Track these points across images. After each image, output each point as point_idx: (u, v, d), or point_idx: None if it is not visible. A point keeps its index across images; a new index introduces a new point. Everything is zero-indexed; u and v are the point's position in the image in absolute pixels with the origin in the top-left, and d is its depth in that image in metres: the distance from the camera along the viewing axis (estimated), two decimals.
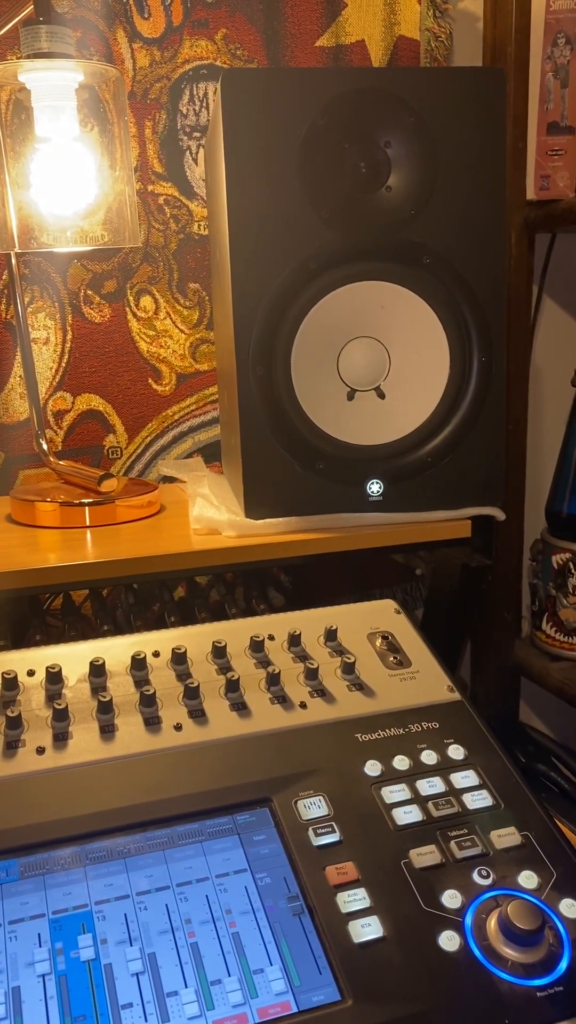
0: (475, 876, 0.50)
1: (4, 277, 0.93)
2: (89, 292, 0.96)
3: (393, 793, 0.55)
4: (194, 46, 0.95)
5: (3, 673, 0.60)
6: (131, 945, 0.46)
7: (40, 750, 0.56)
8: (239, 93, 0.72)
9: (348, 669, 0.64)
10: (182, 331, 1.00)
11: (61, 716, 0.58)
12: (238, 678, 0.61)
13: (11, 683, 0.60)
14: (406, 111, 0.74)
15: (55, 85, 0.76)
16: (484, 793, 0.56)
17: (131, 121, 0.94)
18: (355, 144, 0.74)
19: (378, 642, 0.67)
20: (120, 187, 0.84)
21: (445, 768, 0.57)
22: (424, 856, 0.51)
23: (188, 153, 0.97)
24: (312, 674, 0.63)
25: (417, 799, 0.55)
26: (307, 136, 0.73)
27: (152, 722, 0.59)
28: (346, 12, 0.98)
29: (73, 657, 0.63)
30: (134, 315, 0.98)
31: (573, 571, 1.03)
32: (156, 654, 0.64)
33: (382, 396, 0.79)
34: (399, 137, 0.74)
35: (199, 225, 0.98)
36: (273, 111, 0.72)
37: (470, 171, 0.76)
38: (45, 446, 0.90)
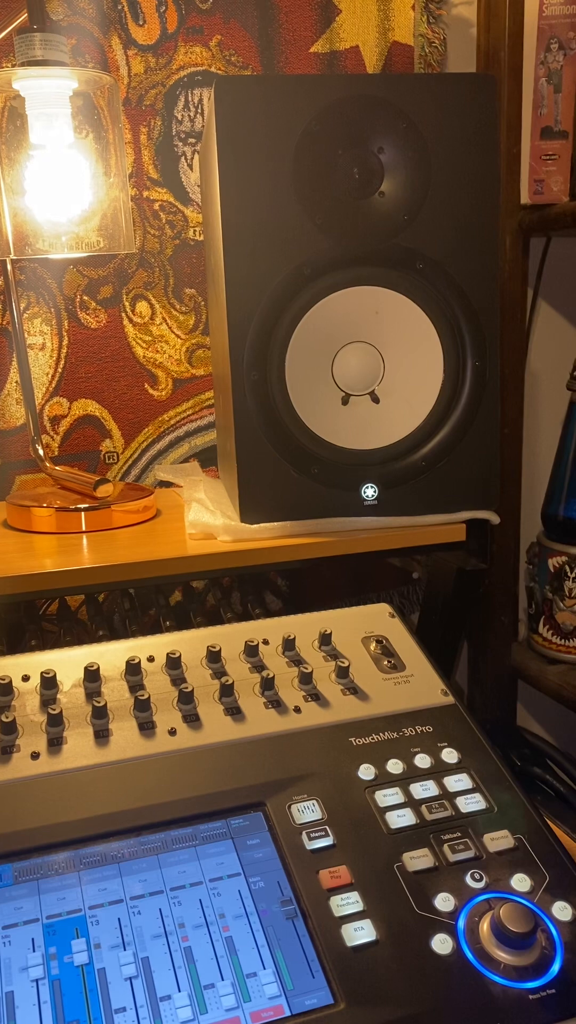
0: (468, 879, 0.50)
1: (0, 283, 0.93)
2: (85, 298, 0.97)
3: (386, 797, 0.55)
4: (189, 52, 0.96)
5: None
6: (125, 950, 0.46)
7: (35, 755, 0.56)
8: (233, 100, 0.72)
9: (342, 673, 0.64)
10: (178, 336, 1.00)
11: (56, 721, 0.58)
12: (232, 683, 0.62)
13: (6, 688, 0.60)
14: (399, 117, 0.74)
15: (49, 92, 0.77)
16: (477, 796, 0.56)
17: (126, 127, 0.95)
18: (348, 150, 0.74)
19: (372, 646, 0.68)
20: (115, 193, 0.84)
21: (439, 772, 0.57)
22: (417, 859, 0.51)
23: (183, 159, 0.97)
24: (306, 678, 0.63)
25: (410, 803, 0.55)
26: (301, 142, 0.73)
27: (146, 727, 0.59)
28: (340, 18, 0.99)
29: (68, 662, 0.63)
30: (130, 320, 0.99)
31: (569, 574, 1.04)
32: (151, 659, 0.64)
33: (376, 401, 0.79)
34: (392, 143, 0.75)
35: (194, 231, 0.99)
36: (267, 117, 0.72)
37: (463, 176, 0.76)
38: (41, 451, 0.91)
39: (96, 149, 0.84)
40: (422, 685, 0.65)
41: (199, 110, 0.97)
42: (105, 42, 0.93)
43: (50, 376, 0.97)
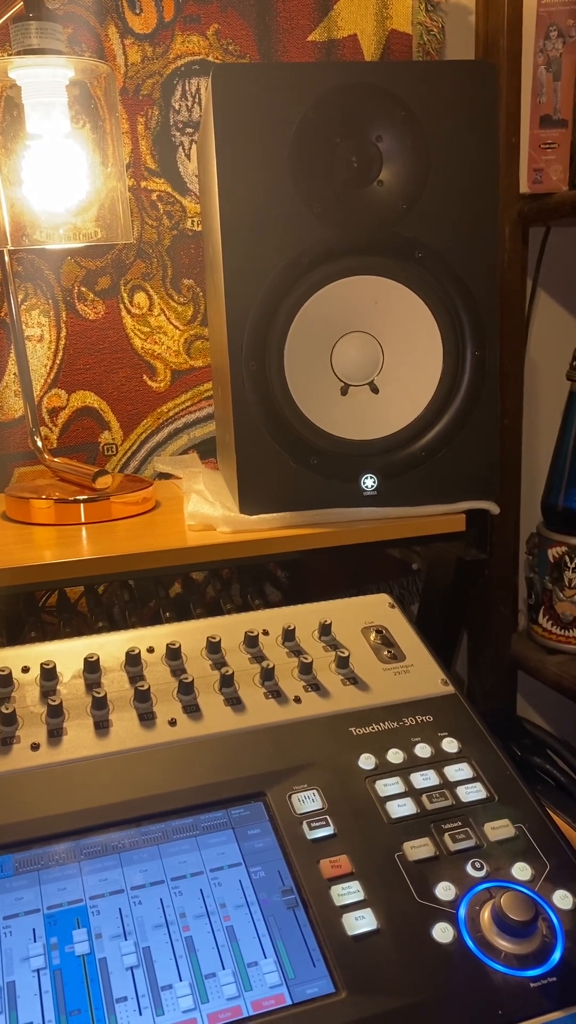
0: (469, 868, 0.50)
1: None
2: (83, 289, 0.96)
3: (387, 786, 0.55)
4: (186, 41, 0.95)
5: None
6: (126, 939, 0.47)
7: (35, 746, 0.56)
8: (230, 88, 0.72)
9: (342, 663, 0.64)
10: (176, 327, 1.00)
11: (56, 712, 0.58)
12: (232, 673, 0.62)
13: (6, 679, 0.60)
14: (397, 105, 0.74)
15: (45, 82, 0.76)
16: (478, 786, 0.56)
17: (123, 117, 0.94)
18: (346, 139, 0.74)
19: (372, 636, 0.68)
20: (112, 183, 0.84)
21: (439, 761, 0.57)
22: (418, 849, 0.51)
23: (181, 149, 0.97)
24: (306, 668, 0.63)
25: (411, 792, 0.55)
26: (298, 131, 0.73)
27: (146, 718, 0.59)
28: (338, 6, 0.98)
29: (68, 653, 0.63)
30: (128, 312, 0.98)
31: (569, 564, 1.04)
32: (151, 650, 0.64)
33: (376, 391, 0.79)
34: (390, 131, 0.74)
35: (192, 221, 0.98)
36: (264, 106, 0.72)
37: (462, 165, 0.75)
38: (40, 443, 0.90)
39: (93, 139, 0.84)
40: (422, 675, 0.65)
41: (196, 99, 0.96)
42: (102, 31, 0.92)
43: (48, 368, 0.97)
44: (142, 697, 0.60)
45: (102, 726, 0.58)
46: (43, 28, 0.75)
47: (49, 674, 0.61)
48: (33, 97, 0.77)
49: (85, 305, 0.97)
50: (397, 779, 0.56)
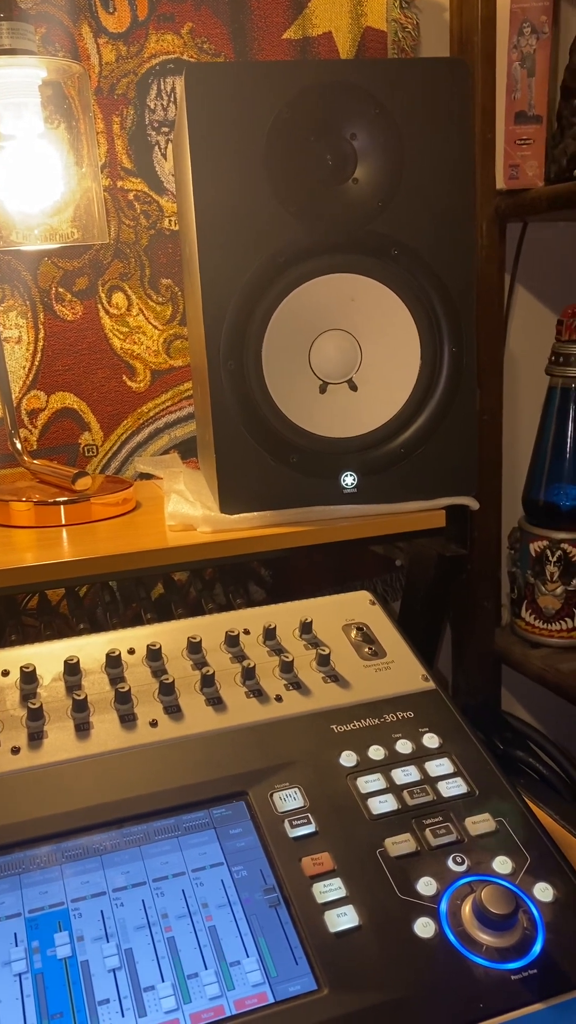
0: (450, 863, 0.51)
1: None
2: (60, 290, 0.96)
3: (368, 783, 0.55)
4: (160, 40, 0.95)
5: None
6: (107, 941, 0.46)
7: (15, 750, 0.56)
8: (203, 87, 0.71)
9: (323, 661, 0.64)
10: (155, 327, 1.00)
11: (36, 715, 0.58)
12: (213, 673, 0.62)
13: None
14: (371, 103, 0.74)
15: (18, 82, 0.76)
16: (459, 780, 0.56)
17: (99, 117, 0.94)
18: (321, 137, 0.74)
19: (353, 633, 0.68)
20: (87, 183, 0.83)
21: (420, 757, 0.57)
22: (399, 845, 0.51)
23: (157, 148, 0.97)
24: (287, 667, 0.63)
25: (392, 788, 0.55)
26: (272, 129, 0.73)
27: (127, 719, 0.59)
28: (312, 4, 0.98)
29: (47, 656, 0.63)
30: (106, 312, 0.98)
31: (551, 558, 1.04)
32: (131, 651, 0.64)
33: (354, 388, 0.79)
34: (365, 129, 0.74)
35: (170, 220, 0.98)
36: (238, 105, 0.72)
37: (437, 162, 0.76)
38: (19, 445, 0.90)
39: (67, 139, 0.83)
40: (403, 671, 0.65)
41: (172, 98, 0.96)
42: (75, 30, 0.92)
43: (27, 369, 0.96)
44: (123, 699, 0.59)
45: (83, 728, 0.58)
46: (15, 28, 0.74)
47: (29, 677, 0.61)
48: (5, 97, 0.77)
49: (63, 306, 0.96)
50: (378, 775, 0.56)
